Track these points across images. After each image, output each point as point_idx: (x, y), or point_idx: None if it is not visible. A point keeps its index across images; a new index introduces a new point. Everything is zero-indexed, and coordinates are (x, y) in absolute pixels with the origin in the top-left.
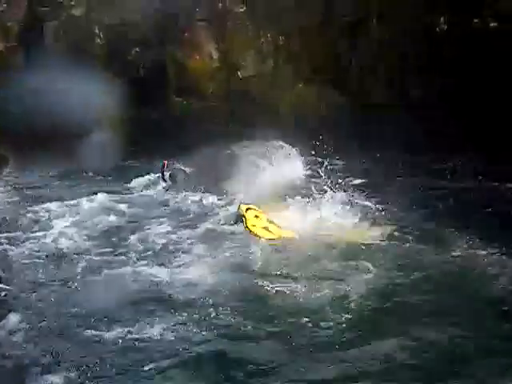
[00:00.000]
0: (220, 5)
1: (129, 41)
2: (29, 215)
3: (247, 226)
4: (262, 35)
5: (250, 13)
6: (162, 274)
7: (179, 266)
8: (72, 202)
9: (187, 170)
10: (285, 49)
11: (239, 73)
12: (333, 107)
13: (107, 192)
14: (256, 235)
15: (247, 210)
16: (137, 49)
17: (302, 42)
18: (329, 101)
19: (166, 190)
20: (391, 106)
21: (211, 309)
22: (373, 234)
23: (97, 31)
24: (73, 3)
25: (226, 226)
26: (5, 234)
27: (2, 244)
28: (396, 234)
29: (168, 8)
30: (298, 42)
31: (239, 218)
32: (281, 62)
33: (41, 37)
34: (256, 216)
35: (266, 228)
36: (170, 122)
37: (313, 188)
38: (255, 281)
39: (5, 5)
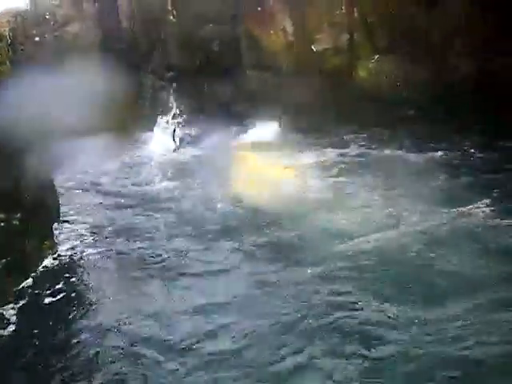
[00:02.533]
0: None
1: (202, 16)
2: None
3: None
4: (337, 7)
5: None
6: None
7: None
8: None
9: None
10: (360, 21)
11: (313, 46)
12: (409, 81)
13: None
14: None
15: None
16: (211, 24)
17: (378, 12)
18: (405, 74)
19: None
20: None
21: None
22: None
23: (170, 8)
24: None
25: None
26: None
27: None
28: None
29: None
30: (374, 14)
31: None
32: (356, 34)
33: (115, 16)
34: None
35: None
36: (245, 95)
37: None
38: None
39: None
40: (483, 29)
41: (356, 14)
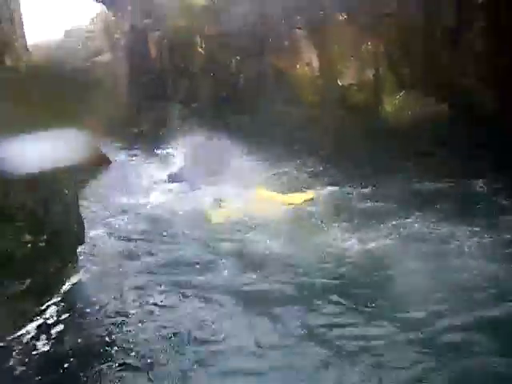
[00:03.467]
0: (321, 12)
1: (229, 50)
2: None
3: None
4: (363, 43)
5: (351, 20)
6: None
7: None
8: None
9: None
10: (385, 56)
11: (339, 81)
12: (433, 117)
13: None
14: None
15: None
16: (237, 57)
17: (403, 49)
18: (430, 110)
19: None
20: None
21: None
22: None
23: (198, 41)
24: (176, 14)
25: None
26: None
27: None
28: None
29: (268, 16)
30: (399, 50)
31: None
32: (381, 69)
33: (145, 47)
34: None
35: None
36: (269, 128)
37: None
38: None
39: (113, 18)
40: (505, 65)
41: (382, 50)
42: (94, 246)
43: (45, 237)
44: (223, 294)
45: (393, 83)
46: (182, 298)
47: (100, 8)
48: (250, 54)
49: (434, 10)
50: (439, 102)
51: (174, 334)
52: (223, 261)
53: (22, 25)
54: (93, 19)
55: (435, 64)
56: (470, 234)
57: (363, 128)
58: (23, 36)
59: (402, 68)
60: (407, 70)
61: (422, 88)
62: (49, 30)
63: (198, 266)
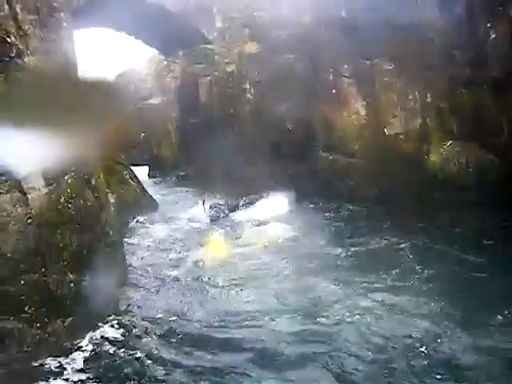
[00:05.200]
0: (368, 62)
1: (277, 97)
2: None
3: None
4: (410, 92)
5: (398, 70)
6: None
7: None
8: None
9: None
10: (433, 106)
11: (386, 130)
12: (482, 169)
13: None
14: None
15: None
16: (285, 104)
17: (451, 99)
18: (478, 162)
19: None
20: None
21: None
22: None
23: (247, 86)
24: (226, 60)
25: None
26: None
27: None
28: None
29: (316, 64)
30: (447, 99)
31: None
32: (428, 119)
33: (195, 91)
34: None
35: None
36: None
37: None
38: None
39: (164, 62)
40: None
41: (429, 100)
42: (137, 287)
43: (88, 277)
44: None
45: (440, 133)
46: None
47: (152, 52)
48: (298, 100)
49: (481, 61)
50: (488, 153)
51: None
52: None
53: (76, 61)
54: (145, 63)
55: (481, 113)
56: None
57: (409, 177)
58: (75, 72)
59: (449, 118)
60: (455, 120)
61: (470, 138)
62: (102, 70)
63: None
